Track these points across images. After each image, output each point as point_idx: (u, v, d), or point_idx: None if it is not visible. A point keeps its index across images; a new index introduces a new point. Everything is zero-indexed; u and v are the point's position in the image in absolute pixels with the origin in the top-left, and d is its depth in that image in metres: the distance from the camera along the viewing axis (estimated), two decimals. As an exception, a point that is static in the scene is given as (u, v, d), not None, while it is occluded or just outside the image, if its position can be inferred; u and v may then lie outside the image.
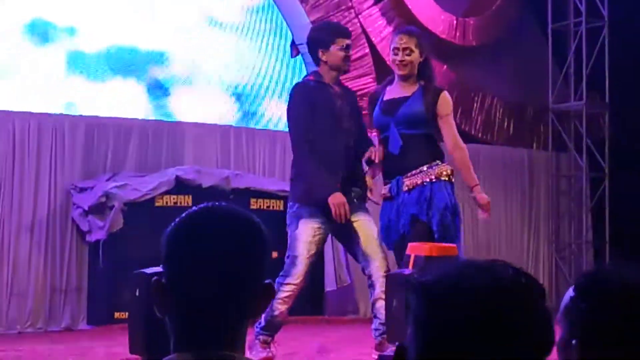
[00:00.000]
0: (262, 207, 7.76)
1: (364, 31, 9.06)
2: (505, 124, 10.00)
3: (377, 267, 5.43)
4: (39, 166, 7.25)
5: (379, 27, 9.17)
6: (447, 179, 5.50)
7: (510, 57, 9.93)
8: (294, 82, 9.05)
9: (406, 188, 5.45)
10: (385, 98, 5.64)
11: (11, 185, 7.11)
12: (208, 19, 8.58)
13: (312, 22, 8.80)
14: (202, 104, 8.44)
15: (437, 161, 5.51)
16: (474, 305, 1.42)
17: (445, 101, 5.61)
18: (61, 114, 7.48)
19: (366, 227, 5.54)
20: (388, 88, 5.69)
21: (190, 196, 7.35)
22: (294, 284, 5.34)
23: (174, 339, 1.71)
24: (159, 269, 3.93)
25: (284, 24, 9.00)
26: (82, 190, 7.25)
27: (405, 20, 9.11)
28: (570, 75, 10.12)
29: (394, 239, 5.46)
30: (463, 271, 1.47)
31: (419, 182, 5.44)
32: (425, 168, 5.47)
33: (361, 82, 9.01)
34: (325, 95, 5.61)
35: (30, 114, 7.32)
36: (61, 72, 7.74)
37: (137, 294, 4.33)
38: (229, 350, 1.68)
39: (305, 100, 5.57)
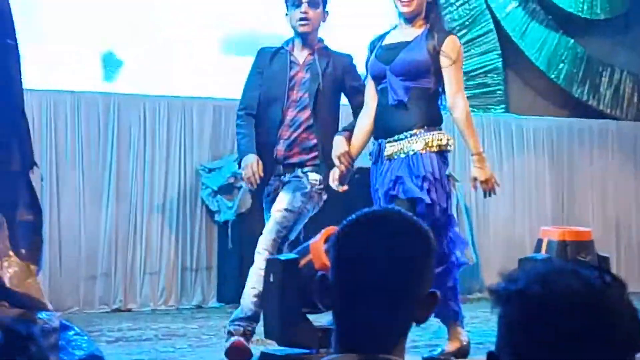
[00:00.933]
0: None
1: (488, 7, 8.93)
2: (635, 99, 9.75)
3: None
4: (169, 148, 7.40)
5: (503, 2, 9.03)
6: (436, 149, 4.81)
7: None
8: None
9: (387, 154, 4.86)
10: (384, 43, 5.03)
11: (142, 167, 7.28)
12: None
13: None
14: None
15: (432, 126, 4.84)
16: (568, 309, 1.41)
17: (451, 47, 4.92)
18: (189, 97, 7.61)
19: (275, 203, 5.00)
20: (391, 32, 5.08)
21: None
22: None
23: (337, 336, 1.75)
24: (292, 255, 3.95)
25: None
26: (211, 170, 7.39)
27: (531, -5, 9.00)
28: None
29: None
30: (553, 275, 1.46)
31: (400, 149, 4.80)
32: (413, 132, 4.78)
33: (485, 58, 8.92)
34: (280, 62, 5.16)
35: (160, 97, 7.48)
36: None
37: (271, 279, 4.37)
38: (393, 354, 1.71)
39: (253, 66, 5.27)
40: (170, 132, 7.43)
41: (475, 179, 4.94)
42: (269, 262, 4.54)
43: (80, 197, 7.04)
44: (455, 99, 4.91)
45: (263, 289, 4.58)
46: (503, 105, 8.99)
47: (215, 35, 7.91)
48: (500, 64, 8.95)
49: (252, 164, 4.96)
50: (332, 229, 3.66)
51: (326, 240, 3.97)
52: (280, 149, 5.09)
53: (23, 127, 3.87)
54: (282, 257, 4.27)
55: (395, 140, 4.83)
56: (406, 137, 4.81)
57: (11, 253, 3.71)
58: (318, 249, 4.10)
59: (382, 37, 5.06)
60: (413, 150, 4.79)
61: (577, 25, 9.32)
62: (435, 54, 4.86)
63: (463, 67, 5.30)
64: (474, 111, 8.73)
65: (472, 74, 8.87)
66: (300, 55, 5.20)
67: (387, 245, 1.73)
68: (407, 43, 4.90)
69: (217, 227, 7.40)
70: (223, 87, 7.55)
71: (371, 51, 5.04)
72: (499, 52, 8.94)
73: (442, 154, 4.87)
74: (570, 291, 1.43)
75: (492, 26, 8.93)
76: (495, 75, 8.96)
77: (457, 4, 8.81)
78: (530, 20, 9.12)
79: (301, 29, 5.11)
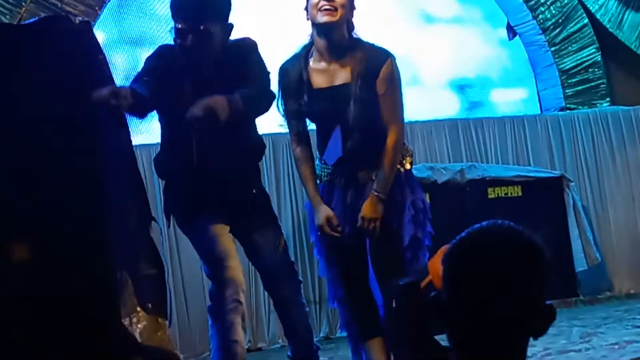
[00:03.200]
0: (499, 195, 7.70)
1: (580, 2, 8.80)
2: None
3: None
4: (278, 183, 7.48)
5: (595, -5, 8.89)
6: (409, 167, 4.35)
7: None
8: (517, 66, 8.96)
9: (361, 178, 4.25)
10: (315, 83, 4.24)
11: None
12: (423, 16, 8.59)
13: (525, 2, 8.67)
14: (426, 101, 8.46)
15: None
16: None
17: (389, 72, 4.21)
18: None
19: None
20: (311, 64, 4.27)
21: (427, 194, 7.37)
22: None
23: (454, 356, 1.74)
24: (410, 279, 3.94)
25: (498, 8, 8.89)
26: (322, 202, 7.43)
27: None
28: None
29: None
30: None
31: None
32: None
33: (584, 54, 8.78)
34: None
35: (264, 134, 7.56)
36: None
37: (393, 304, 4.35)
38: None
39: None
40: (277, 167, 7.50)
41: (362, 217, 4.26)
42: (388, 287, 4.51)
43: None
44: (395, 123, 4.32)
45: (385, 315, 4.54)
46: (608, 99, 8.82)
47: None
48: (599, 58, 8.80)
49: None
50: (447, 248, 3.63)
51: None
52: None
53: (138, 183, 3.96)
54: (402, 281, 4.25)
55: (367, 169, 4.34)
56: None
57: (138, 309, 3.79)
58: (436, 268, 4.06)
59: (300, 69, 4.29)
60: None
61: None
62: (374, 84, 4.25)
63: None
64: (578, 108, 8.64)
65: (572, 71, 8.74)
66: None
67: (496, 264, 1.73)
68: (347, 85, 4.24)
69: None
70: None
71: (290, 87, 4.31)
72: (597, 45, 8.78)
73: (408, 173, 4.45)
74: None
75: (586, 20, 8.79)
76: (597, 70, 8.81)
77: (549, 2, 8.71)
78: (624, 8, 8.94)
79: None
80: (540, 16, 8.71)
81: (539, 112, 8.86)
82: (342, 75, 4.27)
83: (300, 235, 7.44)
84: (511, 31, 8.91)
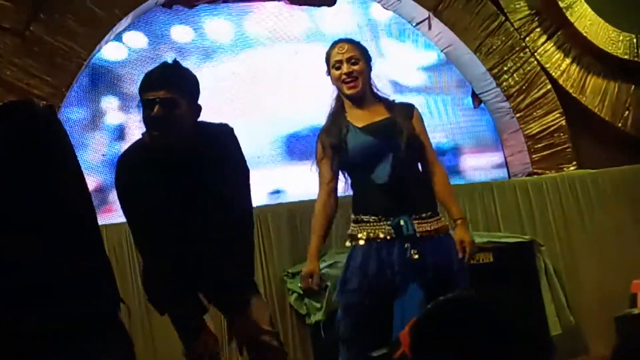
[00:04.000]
0: (471, 262, 7.69)
1: (543, 68, 8.95)
2: None
3: None
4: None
5: (556, 61, 9.03)
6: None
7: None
8: (484, 132, 9.05)
9: (419, 232, 4.40)
10: (359, 125, 4.50)
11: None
12: (394, 85, 8.68)
13: (489, 70, 8.79)
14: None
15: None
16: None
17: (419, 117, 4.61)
18: (262, 205, 7.70)
19: None
20: (349, 117, 4.54)
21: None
22: None
23: None
24: (383, 350, 3.93)
25: (463, 77, 9.01)
26: (294, 275, 7.42)
27: (582, 49, 8.99)
28: None
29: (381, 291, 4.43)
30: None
31: (431, 229, 4.43)
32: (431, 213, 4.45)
33: (548, 119, 8.89)
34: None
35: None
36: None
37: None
38: None
39: None
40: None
41: (462, 241, 4.58)
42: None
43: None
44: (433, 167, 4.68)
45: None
46: (574, 162, 8.92)
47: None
48: (564, 122, 8.92)
49: None
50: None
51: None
52: None
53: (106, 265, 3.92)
54: (375, 353, 4.26)
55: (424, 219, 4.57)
56: (431, 215, 4.63)
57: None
58: (407, 339, 4.07)
59: (342, 126, 4.58)
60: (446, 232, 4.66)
61: (634, 69, 9.26)
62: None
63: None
64: (546, 173, 8.73)
65: (538, 136, 8.84)
66: None
67: (457, 334, 1.76)
68: (389, 118, 4.56)
69: (309, 330, 7.39)
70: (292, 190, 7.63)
71: (338, 142, 4.56)
72: (561, 110, 8.91)
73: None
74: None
75: (549, 86, 8.93)
76: (562, 134, 8.92)
77: (511, 70, 8.83)
78: (587, 73, 9.09)
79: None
80: (504, 83, 8.83)
81: (507, 177, 8.94)
82: (380, 112, 4.54)
83: (274, 310, 7.41)
84: (476, 99, 9.02)
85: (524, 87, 8.87)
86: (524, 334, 5.31)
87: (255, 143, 7.92)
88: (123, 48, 7.81)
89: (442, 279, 4.47)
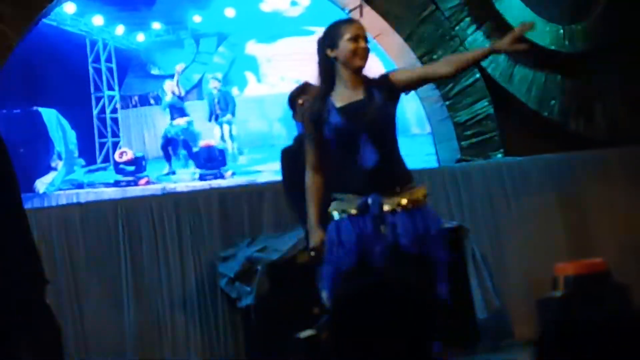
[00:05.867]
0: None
1: (472, 57, 9.06)
2: (628, 124, 9.79)
3: None
4: (180, 243, 7.48)
5: (485, 51, 9.16)
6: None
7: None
8: (413, 120, 9.15)
9: (387, 208, 4.57)
10: (338, 105, 4.65)
11: (158, 266, 7.36)
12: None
13: (419, 58, 8.89)
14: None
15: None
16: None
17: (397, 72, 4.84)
18: (194, 190, 7.72)
19: None
20: (333, 96, 4.69)
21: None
22: None
23: None
24: (311, 331, 3.98)
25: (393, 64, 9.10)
26: (225, 259, 7.45)
27: (511, 39, 9.12)
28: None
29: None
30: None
31: (406, 203, 4.57)
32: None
33: (477, 107, 9.03)
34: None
35: (165, 195, 7.58)
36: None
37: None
38: None
39: None
40: (180, 228, 7.51)
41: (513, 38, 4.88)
42: (290, 342, 4.57)
43: (101, 304, 7.11)
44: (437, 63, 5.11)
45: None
46: (501, 150, 9.07)
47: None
48: (492, 110, 9.06)
49: None
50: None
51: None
52: None
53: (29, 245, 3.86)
54: (302, 334, 4.31)
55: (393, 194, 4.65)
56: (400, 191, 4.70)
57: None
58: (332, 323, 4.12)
59: (324, 101, 4.73)
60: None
61: (561, 59, 9.44)
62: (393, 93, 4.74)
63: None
64: (473, 159, 8.86)
65: (468, 124, 8.98)
66: None
67: (384, 317, 1.81)
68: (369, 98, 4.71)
69: (240, 313, 7.43)
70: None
71: (318, 116, 4.70)
72: (489, 98, 9.05)
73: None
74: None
75: (478, 75, 9.06)
76: (490, 122, 9.06)
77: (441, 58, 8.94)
78: (514, 63, 9.24)
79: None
80: (435, 72, 8.93)
81: (437, 164, 9.05)
82: (358, 93, 4.68)
83: (204, 294, 7.43)
84: (406, 86, 9.11)
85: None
86: (449, 314, 5.44)
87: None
88: None
89: (417, 249, 4.64)
